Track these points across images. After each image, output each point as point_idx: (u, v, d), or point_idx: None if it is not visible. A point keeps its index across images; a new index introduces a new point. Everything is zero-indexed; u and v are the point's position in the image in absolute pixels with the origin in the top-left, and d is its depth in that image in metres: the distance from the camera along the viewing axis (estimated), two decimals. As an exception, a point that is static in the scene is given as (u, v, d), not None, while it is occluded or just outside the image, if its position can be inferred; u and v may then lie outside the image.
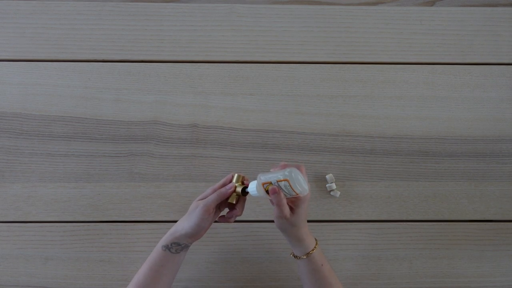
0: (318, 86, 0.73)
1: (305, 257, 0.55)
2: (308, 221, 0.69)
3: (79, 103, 0.71)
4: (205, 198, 0.54)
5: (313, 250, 0.55)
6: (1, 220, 0.69)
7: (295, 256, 0.57)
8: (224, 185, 0.55)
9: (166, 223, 0.69)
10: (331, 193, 0.69)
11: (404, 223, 0.70)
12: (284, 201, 0.50)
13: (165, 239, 0.55)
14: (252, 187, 0.52)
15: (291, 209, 0.52)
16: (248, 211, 0.70)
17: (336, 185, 0.70)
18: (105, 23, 0.73)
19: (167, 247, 0.55)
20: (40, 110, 0.70)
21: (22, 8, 0.73)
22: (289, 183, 0.48)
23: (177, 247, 0.55)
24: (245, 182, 0.55)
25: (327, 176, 0.70)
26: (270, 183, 0.50)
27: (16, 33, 0.72)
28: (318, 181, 0.70)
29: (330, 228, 0.70)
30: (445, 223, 0.70)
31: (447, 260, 0.70)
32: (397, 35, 0.74)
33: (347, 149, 0.71)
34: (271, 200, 0.52)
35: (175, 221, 0.69)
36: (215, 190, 0.54)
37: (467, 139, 0.72)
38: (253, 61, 0.73)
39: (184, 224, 0.54)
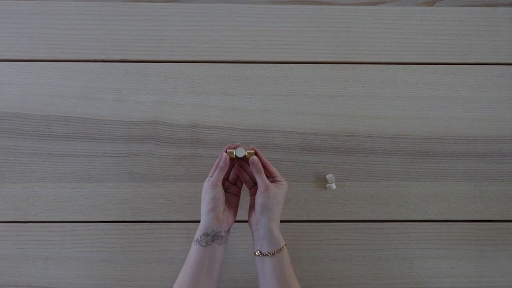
0: (318, 86, 0.73)
1: (276, 252, 0.55)
2: (309, 221, 0.70)
3: (79, 103, 0.71)
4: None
5: (284, 246, 0.56)
6: (1, 220, 0.69)
7: (262, 254, 0.56)
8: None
9: (166, 223, 0.69)
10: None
11: (404, 223, 0.70)
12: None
13: (196, 234, 0.58)
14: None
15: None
16: (248, 212, 0.70)
17: (336, 185, 0.70)
18: (105, 23, 0.73)
19: (198, 241, 0.56)
20: (40, 110, 0.70)
21: (22, 8, 0.73)
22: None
23: (206, 238, 0.56)
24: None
25: (327, 176, 0.69)
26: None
27: (16, 33, 0.72)
28: (318, 181, 0.70)
29: (330, 228, 0.70)
30: (445, 223, 0.70)
31: (447, 260, 0.70)
32: (397, 35, 0.74)
33: (347, 149, 0.71)
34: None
35: (175, 221, 0.69)
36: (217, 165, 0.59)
37: (467, 139, 0.72)
38: (253, 61, 0.73)
39: (203, 208, 0.57)
